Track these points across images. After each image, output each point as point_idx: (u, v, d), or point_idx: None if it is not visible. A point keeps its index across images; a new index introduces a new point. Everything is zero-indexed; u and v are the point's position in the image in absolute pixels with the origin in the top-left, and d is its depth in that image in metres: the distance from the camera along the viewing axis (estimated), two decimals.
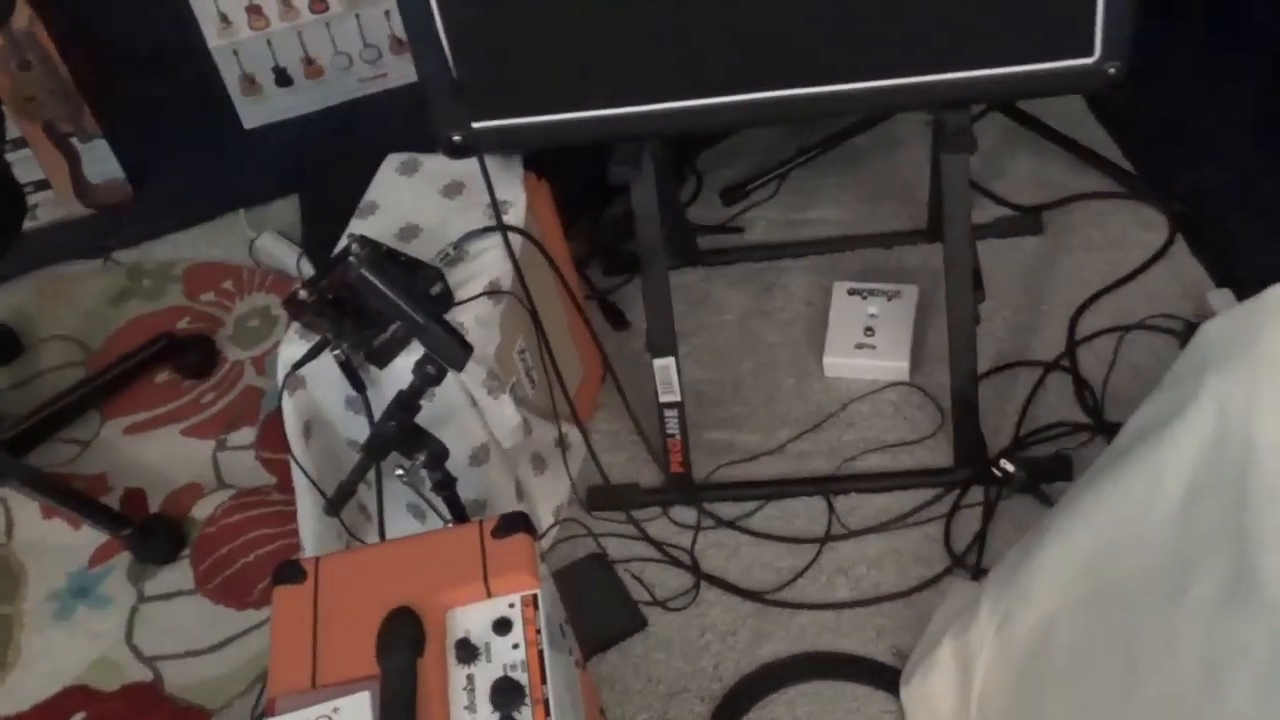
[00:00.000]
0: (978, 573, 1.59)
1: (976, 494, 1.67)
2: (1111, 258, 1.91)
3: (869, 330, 1.85)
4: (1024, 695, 1.26)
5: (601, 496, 1.77)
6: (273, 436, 1.96)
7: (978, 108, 2.09)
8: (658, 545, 1.70)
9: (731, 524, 1.71)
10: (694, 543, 1.70)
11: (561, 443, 1.74)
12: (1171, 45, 2.06)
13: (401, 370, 1.45)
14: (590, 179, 1.73)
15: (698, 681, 1.56)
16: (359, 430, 1.50)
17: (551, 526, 1.74)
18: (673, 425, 1.69)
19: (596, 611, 1.63)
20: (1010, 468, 1.64)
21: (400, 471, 1.41)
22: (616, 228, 2.04)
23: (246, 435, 2.00)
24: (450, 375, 1.45)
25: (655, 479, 1.78)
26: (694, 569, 1.67)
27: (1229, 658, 0.98)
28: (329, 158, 2.28)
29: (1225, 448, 1.07)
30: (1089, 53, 1.38)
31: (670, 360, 1.65)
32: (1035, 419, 1.74)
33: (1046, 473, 1.65)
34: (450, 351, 1.41)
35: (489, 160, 1.54)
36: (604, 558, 1.71)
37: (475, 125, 1.50)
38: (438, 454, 1.42)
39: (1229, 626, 1.00)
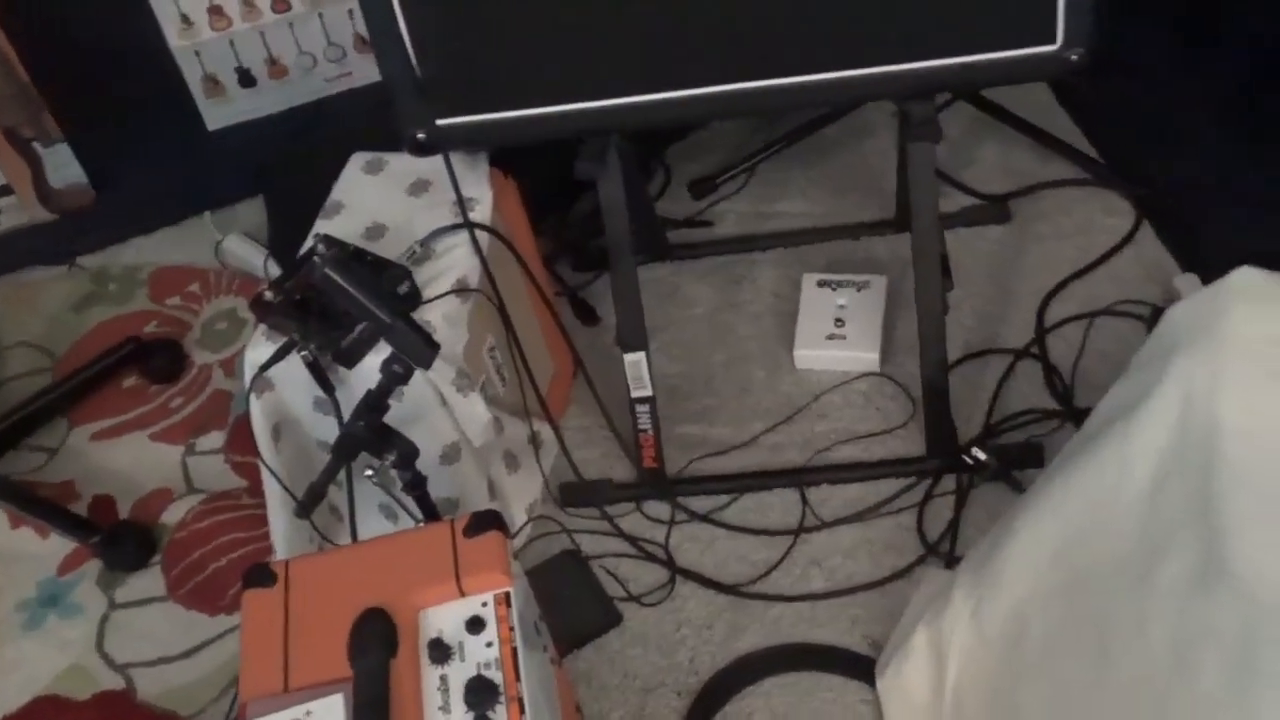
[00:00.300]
0: (951, 561, 1.59)
1: (949, 482, 1.67)
2: (1079, 245, 1.92)
3: (839, 321, 1.85)
4: (998, 681, 1.27)
5: (574, 493, 1.76)
6: (242, 439, 1.95)
7: (943, 97, 2.09)
8: (632, 540, 1.70)
9: (705, 517, 1.71)
10: (668, 537, 1.70)
11: (533, 440, 1.74)
12: (1135, 32, 2.07)
13: (369, 370, 1.44)
14: (558, 175, 1.72)
15: (674, 676, 1.56)
16: (328, 431, 1.49)
17: (525, 524, 1.73)
18: (645, 420, 1.69)
19: (571, 608, 1.63)
20: (982, 455, 1.64)
21: (370, 472, 1.41)
22: (585, 223, 2.04)
23: (216, 439, 1.98)
24: (419, 374, 1.45)
25: (628, 474, 1.77)
26: (669, 563, 1.67)
27: (1199, 640, 0.99)
28: (294, 158, 2.26)
29: (1191, 431, 1.07)
30: (1051, 40, 1.39)
31: (641, 355, 1.65)
32: (1006, 406, 1.74)
33: (1017, 460, 1.66)
34: (417, 350, 1.40)
35: (455, 158, 1.54)
36: (578, 554, 1.70)
37: (439, 123, 1.50)
38: (408, 454, 1.42)
39: (1199, 609, 1.00)
